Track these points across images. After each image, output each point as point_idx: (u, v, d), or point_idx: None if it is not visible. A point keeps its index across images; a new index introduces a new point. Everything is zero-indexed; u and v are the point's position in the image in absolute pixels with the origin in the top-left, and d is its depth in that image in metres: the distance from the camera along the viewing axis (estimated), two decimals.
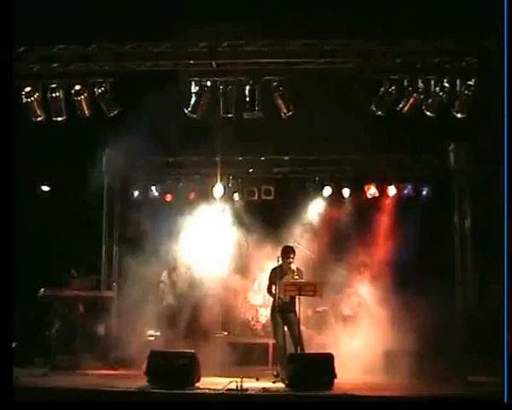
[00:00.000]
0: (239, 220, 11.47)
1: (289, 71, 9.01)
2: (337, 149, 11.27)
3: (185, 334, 9.60)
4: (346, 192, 11.79)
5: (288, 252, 8.58)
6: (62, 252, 10.33)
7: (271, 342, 9.37)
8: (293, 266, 8.54)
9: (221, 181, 11.36)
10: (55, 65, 8.99)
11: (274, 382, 7.87)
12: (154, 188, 11.83)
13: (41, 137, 9.77)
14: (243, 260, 11.12)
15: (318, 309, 10.33)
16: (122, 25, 8.91)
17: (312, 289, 8.22)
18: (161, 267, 10.73)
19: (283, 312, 8.41)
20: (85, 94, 8.99)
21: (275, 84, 8.96)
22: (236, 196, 11.80)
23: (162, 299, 10.55)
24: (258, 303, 10.70)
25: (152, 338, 10.11)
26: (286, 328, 8.43)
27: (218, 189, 11.37)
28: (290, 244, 8.92)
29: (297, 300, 8.15)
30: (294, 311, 8.28)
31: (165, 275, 10.76)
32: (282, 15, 8.79)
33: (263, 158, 11.81)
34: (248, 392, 6.85)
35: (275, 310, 8.47)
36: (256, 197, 11.83)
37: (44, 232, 10.76)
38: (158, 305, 10.35)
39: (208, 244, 10.92)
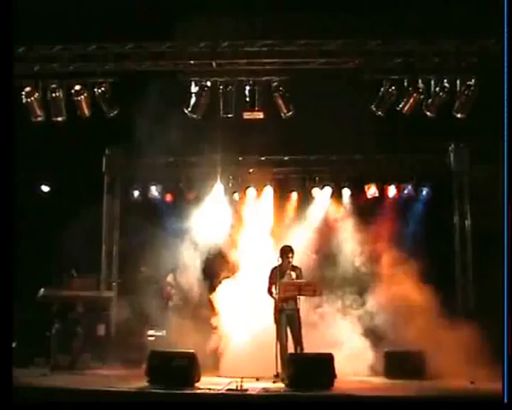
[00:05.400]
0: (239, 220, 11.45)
1: (289, 71, 9.01)
2: (337, 149, 11.27)
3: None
4: (346, 192, 11.79)
5: (286, 252, 8.60)
6: (62, 252, 10.32)
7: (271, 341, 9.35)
8: (289, 266, 8.54)
9: (221, 181, 11.36)
10: (55, 65, 9.00)
11: (274, 382, 7.87)
12: (154, 188, 11.82)
13: (41, 137, 9.77)
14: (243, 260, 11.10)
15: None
16: (122, 25, 8.92)
17: (312, 288, 8.28)
18: (163, 268, 10.73)
19: (286, 310, 8.39)
20: (85, 94, 9.00)
21: (275, 84, 8.97)
22: (236, 196, 11.79)
23: (168, 300, 10.56)
24: None
25: (152, 338, 10.11)
26: (288, 327, 8.42)
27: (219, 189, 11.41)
28: (287, 244, 8.89)
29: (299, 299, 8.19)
30: (297, 309, 8.32)
31: (171, 276, 10.75)
32: (282, 15, 8.79)
33: (263, 158, 11.81)
34: (248, 392, 6.85)
35: (278, 309, 8.45)
36: (256, 197, 11.82)
37: (44, 232, 10.75)
38: (164, 306, 10.38)
39: (208, 244, 10.91)
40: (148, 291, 10.45)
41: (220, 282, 10.19)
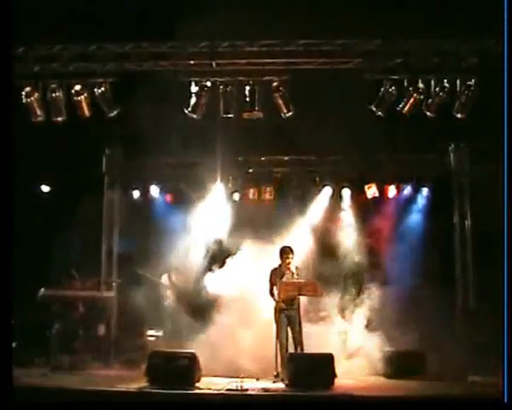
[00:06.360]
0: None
1: (289, 71, 9.01)
2: (337, 149, 11.27)
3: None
4: (346, 192, 11.78)
5: (286, 252, 8.62)
6: (62, 252, 10.32)
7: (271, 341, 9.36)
8: (292, 267, 8.57)
9: (221, 181, 11.36)
10: (55, 65, 9.00)
11: (274, 382, 7.87)
12: (154, 188, 11.83)
13: (41, 137, 9.77)
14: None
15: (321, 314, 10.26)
16: (122, 25, 8.92)
17: (312, 288, 8.30)
18: (162, 269, 10.74)
19: (286, 311, 8.41)
20: (85, 94, 8.99)
21: (275, 84, 8.96)
22: (236, 196, 11.78)
23: (163, 300, 10.56)
24: None
25: (152, 338, 10.11)
26: (288, 327, 8.43)
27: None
28: (288, 245, 8.89)
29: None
30: (297, 309, 8.33)
31: (165, 277, 10.75)
32: (283, 15, 8.80)
33: (263, 158, 11.81)
34: (248, 392, 6.85)
35: (278, 310, 8.46)
36: (256, 198, 11.82)
37: (44, 232, 10.75)
38: (159, 306, 10.37)
39: (208, 244, 10.92)
40: (147, 291, 10.46)
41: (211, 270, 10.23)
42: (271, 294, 8.58)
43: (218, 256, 10.59)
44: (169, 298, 10.66)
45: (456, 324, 10.18)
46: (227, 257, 10.36)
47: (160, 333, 10.17)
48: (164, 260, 10.68)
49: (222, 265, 10.31)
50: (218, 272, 10.27)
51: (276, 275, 8.57)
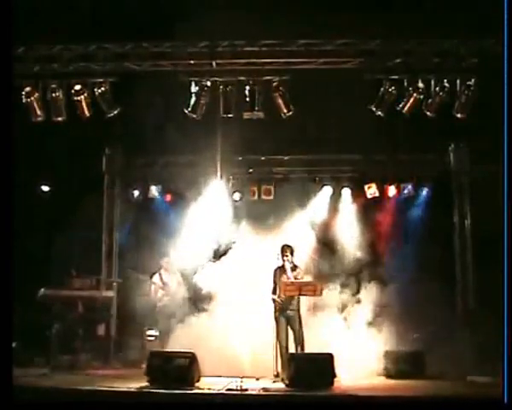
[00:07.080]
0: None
1: (289, 71, 9.01)
2: (337, 149, 11.27)
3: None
4: (346, 192, 11.78)
5: (284, 251, 8.64)
6: (62, 252, 10.32)
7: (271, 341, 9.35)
8: (288, 265, 8.56)
9: (221, 181, 11.35)
10: (55, 65, 9.00)
11: (274, 382, 7.87)
12: (154, 188, 11.83)
13: (41, 137, 9.77)
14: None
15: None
16: (122, 25, 8.92)
17: (312, 288, 8.31)
18: (160, 267, 10.75)
19: (285, 311, 8.42)
20: (85, 94, 8.99)
21: (275, 84, 8.97)
22: (236, 196, 11.78)
23: (156, 300, 10.55)
24: None
25: (152, 338, 10.10)
26: (288, 327, 8.43)
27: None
28: (288, 243, 8.89)
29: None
30: (297, 309, 8.33)
31: (157, 277, 10.74)
32: (283, 15, 8.80)
33: (263, 158, 11.81)
34: (248, 392, 6.85)
35: (278, 309, 8.46)
36: (256, 197, 11.82)
37: (44, 232, 10.75)
38: (153, 305, 10.37)
39: (207, 244, 10.91)
40: (144, 291, 10.46)
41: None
42: (274, 293, 8.58)
43: (218, 256, 10.59)
44: (162, 298, 10.62)
45: (456, 324, 10.17)
46: (224, 255, 10.37)
47: (158, 333, 10.16)
48: (163, 259, 10.68)
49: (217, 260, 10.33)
50: (213, 269, 10.26)
51: (278, 274, 8.57)
